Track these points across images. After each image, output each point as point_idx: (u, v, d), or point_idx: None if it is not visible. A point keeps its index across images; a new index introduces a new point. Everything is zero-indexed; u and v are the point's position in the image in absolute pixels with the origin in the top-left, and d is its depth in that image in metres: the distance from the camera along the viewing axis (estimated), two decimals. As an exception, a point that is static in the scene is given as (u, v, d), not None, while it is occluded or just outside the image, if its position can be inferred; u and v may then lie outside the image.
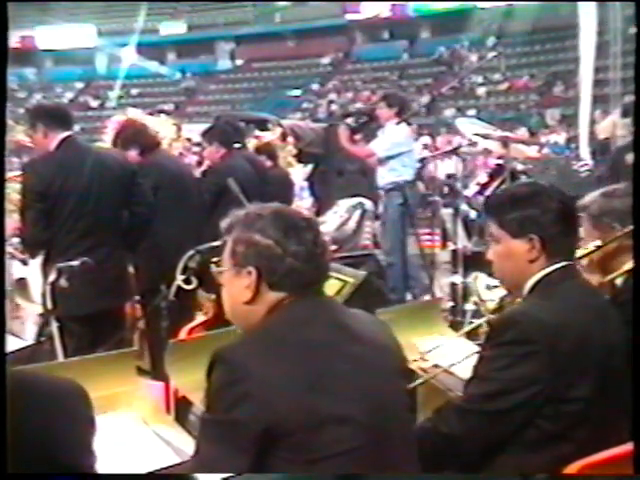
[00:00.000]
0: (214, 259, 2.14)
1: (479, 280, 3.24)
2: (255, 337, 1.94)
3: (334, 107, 28.82)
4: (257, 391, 1.79)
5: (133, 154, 4.77)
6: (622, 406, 2.27)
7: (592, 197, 2.90)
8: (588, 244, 2.82)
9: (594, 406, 2.19)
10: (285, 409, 1.78)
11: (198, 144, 9.01)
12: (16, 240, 4.45)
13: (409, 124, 6.84)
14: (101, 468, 1.69)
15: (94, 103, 34.89)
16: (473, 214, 6.62)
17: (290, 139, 10.12)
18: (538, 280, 2.31)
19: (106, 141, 6.66)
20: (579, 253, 2.68)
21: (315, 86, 32.86)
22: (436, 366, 2.87)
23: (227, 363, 1.85)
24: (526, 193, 2.40)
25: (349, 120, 7.94)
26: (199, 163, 8.28)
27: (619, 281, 2.86)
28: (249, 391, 1.79)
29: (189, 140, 9.54)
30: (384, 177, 6.77)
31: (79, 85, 37.02)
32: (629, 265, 2.74)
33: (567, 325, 2.21)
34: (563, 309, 2.24)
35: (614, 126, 9.84)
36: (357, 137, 7.59)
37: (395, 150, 6.69)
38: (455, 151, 7.60)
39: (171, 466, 2.22)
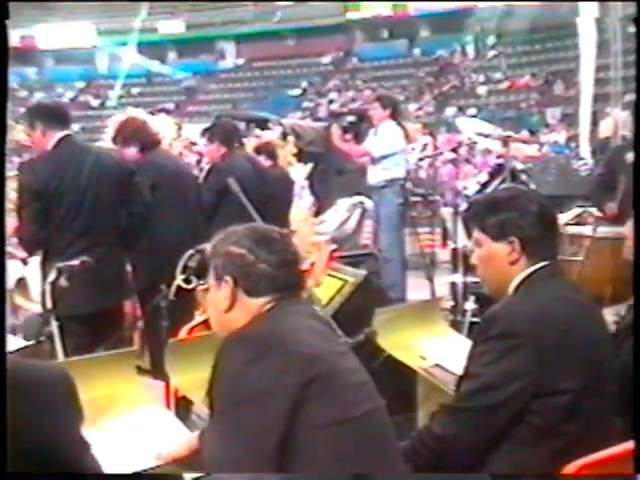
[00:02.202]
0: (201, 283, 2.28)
1: None
2: (252, 327, 2.02)
3: (334, 106, 28.82)
4: (281, 359, 1.89)
5: (133, 152, 4.77)
6: (612, 400, 2.31)
7: None
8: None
9: (583, 400, 2.21)
10: (309, 370, 1.88)
11: (195, 143, 9.02)
12: (15, 240, 4.44)
13: (400, 125, 6.96)
14: (101, 468, 1.69)
15: (95, 102, 34.90)
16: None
17: (290, 138, 10.15)
18: (521, 280, 2.36)
19: (106, 140, 6.66)
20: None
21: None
22: (437, 365, 2.87)
23: (245, 342, 1.95)
24: (505, 197, 2.48)
25: (341, 120, 8.01)
26: (198, 162, 8.29)
27: None
28: (273, 361, 1.89)
29: (192, 143, 9.55)
30: (376, 175, 6.87)
31: (80, 84, 37.03)
32: None
33: (550, 318, 2.25)
34: (546, 303, 2.29)
35: (615, 125, 9.85)
36: (348, 137, 7.67)
37: (390, 150, 6.79)
38: (455, 150, 7.62)
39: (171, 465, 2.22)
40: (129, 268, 4.54)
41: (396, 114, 6.94)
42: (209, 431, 2.00)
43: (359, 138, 7.62)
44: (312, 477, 1.82)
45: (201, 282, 2.25)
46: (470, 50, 29.96)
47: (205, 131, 6.12)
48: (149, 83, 35.76)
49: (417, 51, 33.02)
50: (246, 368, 1.90)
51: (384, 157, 6.80)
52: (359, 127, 7.94)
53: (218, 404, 1.95)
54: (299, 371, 1.87)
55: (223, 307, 2.06)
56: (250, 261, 2.04)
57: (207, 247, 2.17)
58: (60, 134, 4.08)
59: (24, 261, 4.81)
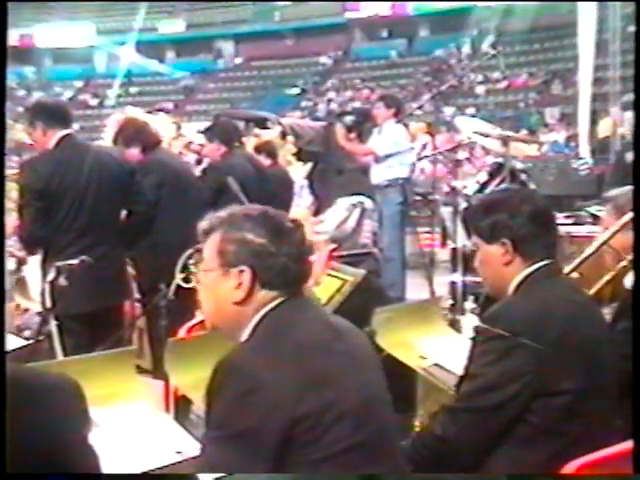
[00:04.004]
0: (191, 260, 2.15)
1: None
2: (258, 343, 1.91)
3: (333, 105, 28.82)
4: (270, 397, 1.78)
5: (135, 152, 4.77)
6: (612, 400, 2.31)
7: (621, 190, 2.97)
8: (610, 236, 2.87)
9: (583, 399, 2.22)
10: (298, 409, 1.78)
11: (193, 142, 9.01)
12: (15, 239, 4.44)
13: (405, 125, 7.02)
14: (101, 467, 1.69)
15: (93, 101, 34.87)
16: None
17: (290, 137, 10.14)
18: (521, 280, 2.37)
19: (105, 139, 6.65)
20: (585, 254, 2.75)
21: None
22: (436, 365, 2.87)
23: (238, 374, 1.82)
24: (495, 199, 2.51)
25: (345, 119, 8.03)
26: (198, 161, 8.28)
27: (628, 284, 2.87)
28: (263, 398, 1.78)
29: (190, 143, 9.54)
30: (380, 174, 6.90)
31: (78, 83, 37.00)
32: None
33: (550, 318, 2.26)
34: (545, 303, 2.30)
35: (614, 124, 9.86)
36: (352, 135, 7.69)
37: (395, 149, 6.83)
38: (454, 150, 7.64)
39: (170, 465, 2.22)
40: (130, 268, 4.54)
41: (400, 113, 6.98)
42: (202, 451, 1.91)
43: (362, 137, 7.66)
44: (318, 477, 1.82)
45: (196, 266, 2.06)
46: (468, 49, 29.95)
47: (205, 130, 6.12)
48: (147, 82, 35.72)
49: (416, 50, 33.02)
50: (238, 401, 1.79)
51: (389, 156, 6.84)
52: (363, 126, 7.97)
53: (210, 430, 1.85)
54: (288, 408, 1.77)
55: (234, 299, 1.94)
56: (272, 252, 1.92)
57: (202, 226, 2.00)
58: (61, 133, 4.07)
59: (23, 260, 4.81)
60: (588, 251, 2.84)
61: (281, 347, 1.86)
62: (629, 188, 2.99)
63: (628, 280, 2.89)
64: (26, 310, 4.89)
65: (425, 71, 30.85)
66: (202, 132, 6.31)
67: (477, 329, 2.35)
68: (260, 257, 1.92)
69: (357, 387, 1.90)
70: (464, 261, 5.30)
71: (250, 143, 7.64)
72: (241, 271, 1.92)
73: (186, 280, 3.17)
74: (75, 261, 3.60)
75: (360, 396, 1.89)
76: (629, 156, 5.03)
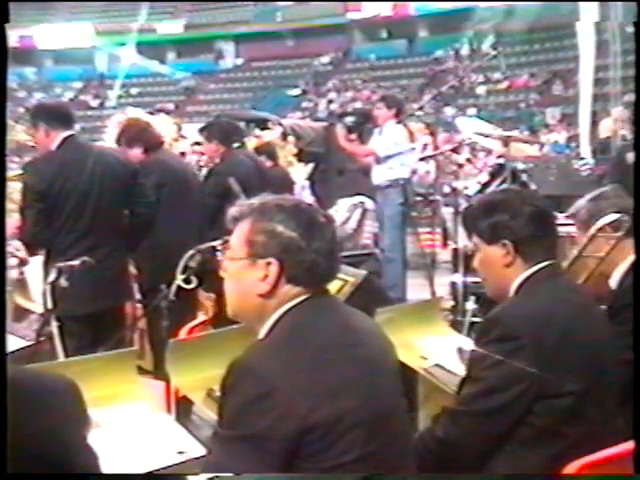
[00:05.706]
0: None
1: None
2: (277, 344, 1.87)
3: (334, 106, 28.83)
4: (284, 403, 1.75)
5: (137, 152, 4.77)
6: (613, 401, 2.31)
7: (580, 203, 2.95)
8: (581, 250, 2.86)
9: (584, 401, 2.21)
10: (310, 418, 1.75)
11: (199, 143, 9.00)
12: (16, 240, 4.44)
13: (405, 125, 7.01)
14: (102, 467, 1.69)
15: (94, 102, 34.90)
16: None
17: (291, 138, 10.14)
18: (521, 282, 2.36)
19: (106, 140, 6.65)
20: (569, 258, 2.74)
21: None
22: (437, 365, 2.87)
23: (253, 377, 1.78)
24: (496, 200, 2.48)
25: (346, 120, 8.04)
26: (199, 162, 8.27)
27: (614, 284, 2.87)
28: (276, 404, 1.74)
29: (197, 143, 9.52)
30: (381, 175, 6.90)
31: (78, 84, 37.03)
32: (624, 266, 2.77)
33: (551, 320, 2.25)
34: (546, 305, 2.29)
35: (615, 124, 9.86)
36: (352, 136, 7.69)
37: (395, 149, 6.83)
38: (455, 150, 7.65)
39: (172, 465, 2.22)
40: (132, 269, 4.54)
41: (400, 114, 6.98)
42: (211, 448, 1.90)
43: (363, 138, 7.66)
44: (315, 477, 1.81)
45: (223, 252, 2.04)
46: (469, 50, 29.98)
47: (202, 130, 6.05)
48: (148, 83, 35.75)
49: (416, 51, 33.04)
50: (250, 404, 1.76)
51: (389, 157, 6.84)
52: (363, 127, 7.97)
53: (220, 428, 1.82)
54: (300, 417, 1.74)
55: (258, 291, 1.89)
56: (302, 247, 1.87)
57: (232, 212, 1.95)
58: (64, 134, 4.08)
59: (24, 261, 4.80)
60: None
61: (299, 351, 1.82)
62: (586, 199, 2.96)
63: (613, 281, 2.89)
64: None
65: (425, 72, 30.87)
66: (200, 132, 6.24)
67: (478, 331, 2.34)
68: (289, 251, 1.87)
69: (373, 396, 1.86)
70: (465, 262, 5.30)
71: (250, 144, 7.64)
72: (268, 263, 1.88)
73: (187, 281, 3.17)
74: (76, 262, 3.60)
75: (375, 405, 1.86)
76: (630, 156, 5.03)
